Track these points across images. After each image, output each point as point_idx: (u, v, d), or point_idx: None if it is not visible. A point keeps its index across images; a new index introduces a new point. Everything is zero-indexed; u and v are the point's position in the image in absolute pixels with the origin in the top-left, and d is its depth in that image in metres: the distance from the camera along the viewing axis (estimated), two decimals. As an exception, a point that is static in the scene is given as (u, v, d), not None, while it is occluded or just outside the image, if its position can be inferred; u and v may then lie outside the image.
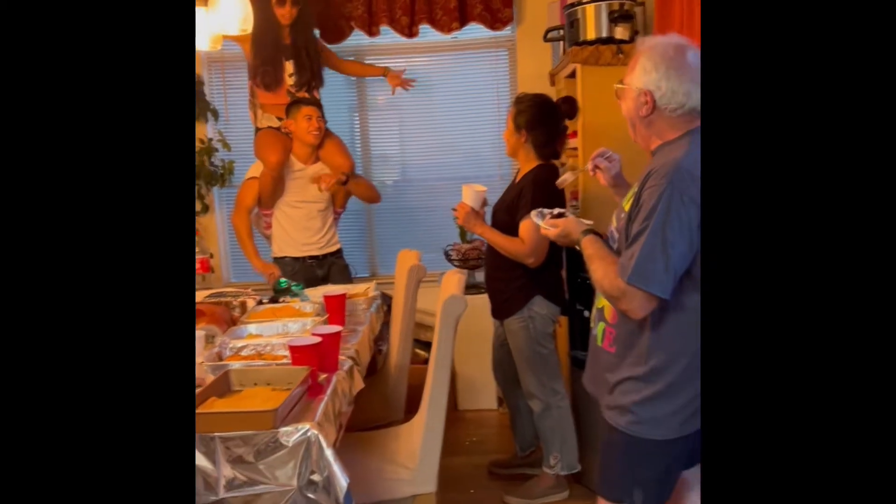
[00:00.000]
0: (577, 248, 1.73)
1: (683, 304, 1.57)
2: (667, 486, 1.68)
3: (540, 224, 1.84)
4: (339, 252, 3.42)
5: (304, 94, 3.34)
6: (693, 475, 1.74)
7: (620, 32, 2.93)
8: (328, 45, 3.66)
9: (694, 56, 1.58)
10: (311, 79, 3.40)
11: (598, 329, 1.72)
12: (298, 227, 3.30)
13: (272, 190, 3.23)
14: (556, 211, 1.87)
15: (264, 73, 3.36)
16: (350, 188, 3.32)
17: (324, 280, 3.26)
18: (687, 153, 1.56)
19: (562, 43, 3.30)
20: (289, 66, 3.35)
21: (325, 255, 3.35)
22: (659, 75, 1.57)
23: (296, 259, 3.32)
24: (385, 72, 3.66)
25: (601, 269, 1.62)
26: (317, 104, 3.25)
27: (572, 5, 3.08)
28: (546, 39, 3.47)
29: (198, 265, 3.25)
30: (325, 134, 3.30)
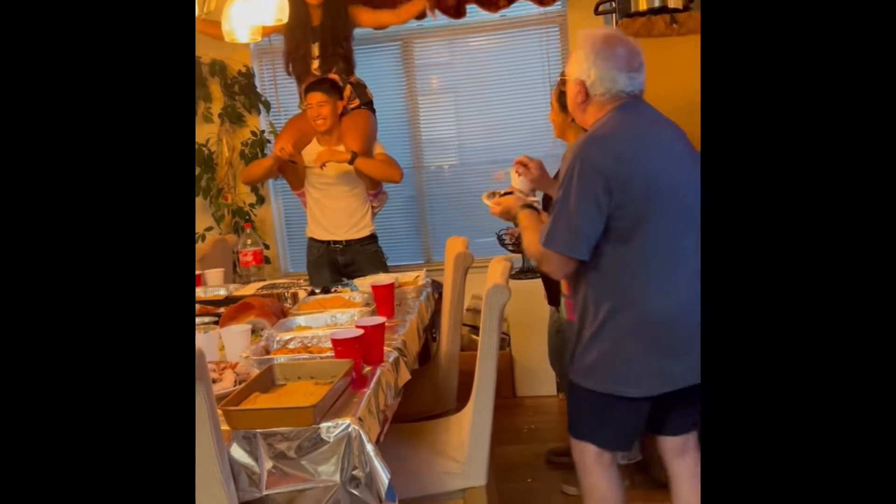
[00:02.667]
0: (516, 223, 1.99)
1: (600, 261, 1.77)
2: (623, 437, 1.93)
3: (488, 204, 2.10)
4: (369, 238, 3.32)
5: (330, 77, 3.25)
6: (679, 442, 1.96)
7: (674, 1, 2.80)
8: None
9: (622, 46, 1.80)
10: (337, 60, 3.32)
11: (562, 304, 1.87)
12: (324, 210, 3.28)
13: (288, 172, 3.25)
14: (504, 190, 2.11)
15: (293, 60, 3.37)
16: (359, 165, 3.12)
17: (345, 267, 3.22)
18: (601, 125, 1.79)
19: (614, 15, 3.19)
20: (315, 49, 3.32)
21: (350, 241, 3.28)
22: (589, 65, 1.79)
23: (320, 242, 3.31)
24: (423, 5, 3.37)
25: (529, 238, 1.87)
26: (328, 88, 3.12)
27: (623, -25, 2.97)
28: (597, 13, 3.36)
29: (251, 257, 3.27)
30: (349, 114, 3.23)
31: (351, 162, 3.10)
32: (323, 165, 3.12)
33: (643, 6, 2.89)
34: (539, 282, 2.94)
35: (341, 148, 3.16)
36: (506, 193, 2.06)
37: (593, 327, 1.81)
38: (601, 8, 3.34)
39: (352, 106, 3.30)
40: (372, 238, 3.33)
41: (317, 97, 3.09)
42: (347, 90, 3.30)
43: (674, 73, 2.64)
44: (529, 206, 1.96)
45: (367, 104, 3.38)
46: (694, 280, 1.69)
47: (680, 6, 2.80)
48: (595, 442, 1.90)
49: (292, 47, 3.37)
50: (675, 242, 1.75)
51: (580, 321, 1.86)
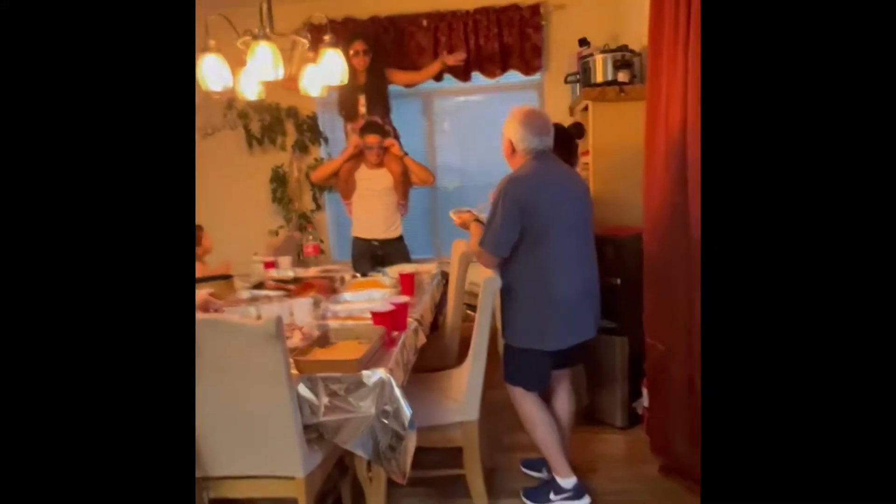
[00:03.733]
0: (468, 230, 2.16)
1: (519, 259, 1.92)
2: (541, 378, 2.04)
3: (452, 217, 2.24)
4: (399, 238, 3.28)
5: (374, 119, 3.27)
6: (562, 373, 2.14)
7: (622, 76, 2.81)
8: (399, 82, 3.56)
9: (539, 119, 1.97)
10: (379, 108, 3.37)
11: None
12: (367, 216, 3.23)
13: (337, 182, 3.23)
14: (465, 209, 2.24)
15: (344, 107, 3.41)
16: (408, 161, 3.16)
17: (383, 259, 3.16)
18: (519, 172, 1.95)
19: (578, 84, 3.19)
20: (362, 100, 3.35)
21: (386, 240, 3.23)
22: (514, 129, 1.97)
23: (363, 240, 3.25)
24: (443, 63, 3.48)
25: (473, 241, 2.05)
26: (379, 132, 3.13)
27: (585, 56, 2.97)
28: (566, 82, 3.37)
29: (311, 249, 3.28)
30: (392, 149, 3.22)
31: (403, 157, 3.14)
32: (379, 164, 3.14)
33: (600, 79, 2.90)
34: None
35: (384, 170, 3.16)
36: (467, 211, 2.22)
37: (516, 305, 1.97)
38: (569, 79, 3.35)
39: (388, 140, 3.29)
40: (401, 238, 3.30)
41: (373, 140, 3.09)
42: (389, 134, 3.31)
43: (622, 130, 2.66)
44: (478, 220, 2.12)
45: (397, 137, 3.40)
46: (581, 275, 1.95)
47: (627, 80, 2.81)
48: (521, 385, 2.03)
49: (345, 98, 3.39)
50: (569, 249, 1.92)
51: (506, 301, 2.01)
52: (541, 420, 2.04)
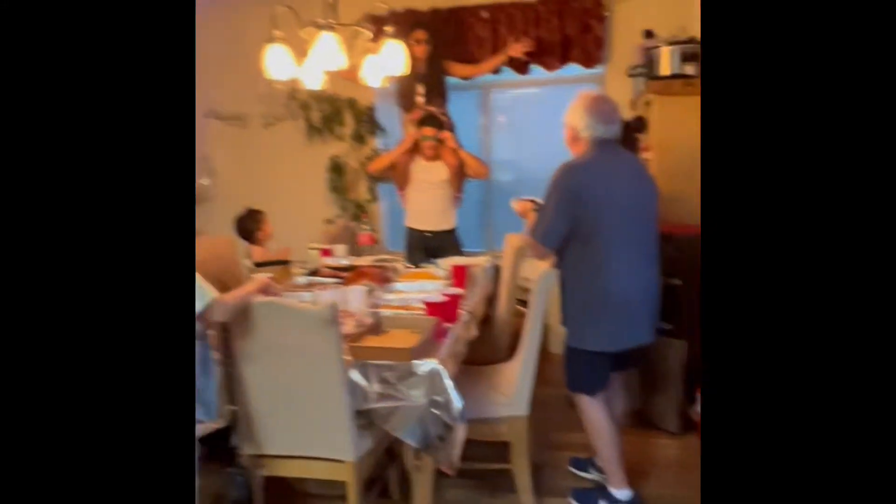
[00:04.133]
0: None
1: (573, 252, 1.83)
2: (600, 380, 1.94)
3: (513, 206, 2.16)
4: (453, 230, 3.25)
5: (430, 109, 3.26)
6: (619, 374, 2.07)
7: (690, 69, 2.69)
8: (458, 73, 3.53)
9: (606, 105, 1.88)
10: (437, 98, 3.35)
11: None
12: (420, 207, 3.22)
13: (393, 174, 3.21)
14: (524, 198, 2.15)
15: (402, 96, 3.41)
16: (464, 156, 3.16)
17: (436, 250, 3.14)
18: (576, 161, 1.87)
19: (641, 77, 3.08)
20: (420, 89, 3.34)
21: (439, 231, 3.22)
22: (579, 116, 1.87)
23: (417, 230, 3.25)
24: (506, 56, 3.43)
25: (526, 230, 1.96)
26: (436, 124, 3.13)
27: (651, 48, 2.87)
28: (630, 75, 3.26)
29: (367, 238, 3.32)
30: (442, 142, 3.21)
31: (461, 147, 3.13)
32: (435, 156, 3.13)
33: (665, 72, 2.79)
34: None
35: (440, 162, 3.16)
36: (529, 201, 2.13)
37: (570, 301, 1.90)
38: (632, 71, 3.24)
39: (444, 130, 3.29)
40: (454, 229, 3.28)
41: (430, 132, 3.09)
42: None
43: (687, 124, 2.54)
44: (538, 210, 2.02)
45: (452, 129, 3.39)
46: (638, 274, 1.84)
47: (695, 73, 2.69)
48: (582, 390, 1.95)
49: (403, 88, 3.39)
50: (626, 246, 1.82)
51: (562, 297, 1.94)
52: (607, 431, 1.97)
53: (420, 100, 3.34)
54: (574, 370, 1.96)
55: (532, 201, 2.11)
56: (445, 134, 3.16)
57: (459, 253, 3.18)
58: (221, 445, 1.79)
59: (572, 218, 1.79)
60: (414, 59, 3.25)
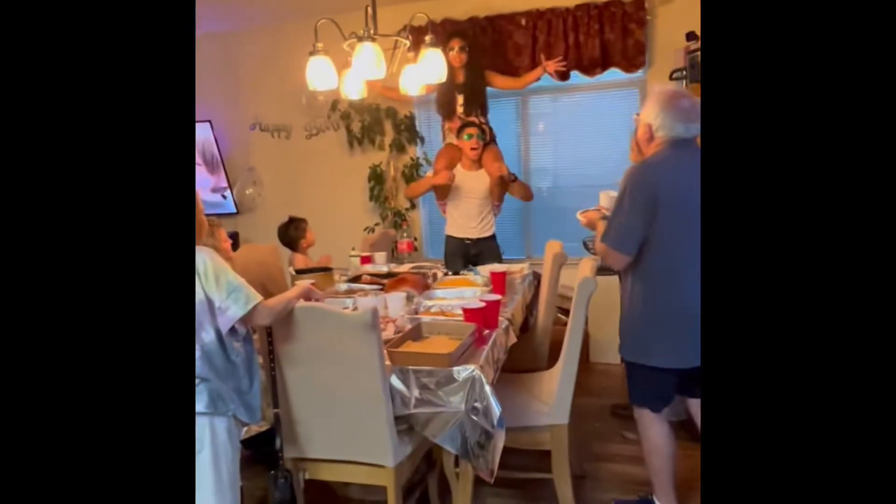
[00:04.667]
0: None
1: (643, 259, 1.71)
2: (663, 397, 1.83)
3: (579, 217, 2.07)
4: (492, 237, 3.25)
5: (471, 119, 3.27)
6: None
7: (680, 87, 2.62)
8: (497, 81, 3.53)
9: (687, 101, 1.71)
10: (476, 107, 3.34)
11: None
12: (461, 215, 3.22)
13: (441, 187, 3.21)
14: (595, 207, 2.07)
15: (442, 105, 3.42)
16: (511, 189, 3.18)
17: (475, 257, 3.13)
18: (651, 159, 1.73)
19: (684, 81, 3.02)
20: (459, 99, 3.35)
21: (478, 239, 3.21)
22: (655, 113, 1.72)
23: (456, 238, 3.25)
24: (543, 69, 3.42)
25: (598, 239, 1.84)
26: (477, 126, 3.14)
27: (694, 51, 2.81)
28: (671, 78, 3.20)
29: (406, 246, 3.33)
30: (487, 146, 3.22)
31: (513, 180, 3.13)
32: (477, 165, 3.15)
33: (710, 74, 2.73)
34: (613, 278, 2.83)
35: (482, 172, 3.16)
36: (597, 210, 2.04)
37: (637, 312, 1.78)
38: (675, 75, 3.18)
39: (486, 141, 3.31)
40: (493, 237, 3.27)
41: (471, 131, 3.10)
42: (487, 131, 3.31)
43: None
44: (606, 217, 1.89)
45: (493, 138, 3.40)
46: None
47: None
48: (646, 404, 1.86)
49: (442, 96, 3.41)
50: (694, 254, 1.55)
51: (625, 308, 1.83)
52: (664, 450, 1.87)
53: (459, 109, 3.36)
54: (637, 386, 1.89)
55: (597, 210, 2.02)
56: (490, 150, 3.17)
57: (499, 260, 3.17)
58: (265, 448, 1.83)
59: (649, 219, 1.66)
60: (452, 67, 3.28)
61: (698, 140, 1.73)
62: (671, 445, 1.88)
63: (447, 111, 3.42)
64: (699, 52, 2.76)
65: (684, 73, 3.01)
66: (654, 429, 1.86)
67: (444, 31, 3.56)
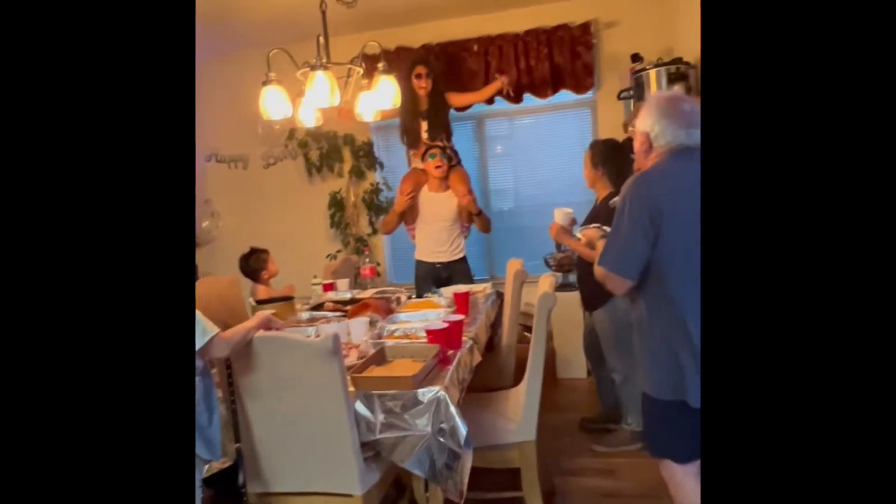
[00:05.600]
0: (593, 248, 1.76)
1: (649, 282, 1.48)
2: (689, 440, 1.38)
3: (578, 236, 1.90)
4: (462, 259, 3.26)
5: (436, 143, 3.29)
6: None
7: (678, 89, 2.74)
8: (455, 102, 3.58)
9: (687, 105, 1.52)
10: (440, 132, 3.38)
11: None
12: (430, 239, 3.23)
13: (406, 209, 3.22)
14: (593, 225, 1.90)
15: (406, 132, 3.45)
16: (475, 220, 3.21)
17: (447, 280, 3.15)
18: (651, 170, 1.51)
19: (632, 100, 3.15)
20: (424, 125, 3.39)
21: (450, 262, 3.22)
22: (653, 121, 1.52)
23: (427, 262, 3.25)
24: (501, 82, 3.48)
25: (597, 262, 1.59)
26: (442, 149, 3.18)
27: (639, 71, 2.93)
28: (619, 98, 3.33)
29: (368, 271, 3.33)
30: (454, 169, 3.26)
31: (477, 214, 3.15)
32: (444, 187, 3.17)
33: (654, 93, 2.84)
34: (574, 294, 2.89)
35: (449, 193, 3.19)
36: (594, 228, 1.85)
37: (647, 342, 1.52)
38: (622, 95, 3.30)
39: (453, 164, 3.35)
40: (464, 259, 3.27)
41: (435, 152, 3.14)
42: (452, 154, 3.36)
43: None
44: (606, 236, 1.68)
45: (459, 162, 3.45)
46: None
47: (683, 93, 2.74)
48: (670, 455, 1.52)
49: (407, 124, 3.44)
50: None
51: (635, 336, 1.57)
52: None
53: (424, 136, 3.40)
54: (663, 431, 1.53)
55: (596, 227, 1.84)
56: (456, 172, 3.21)
57: (471, 281, 3.16)
58: (228, 485, 1.77)
59: (653, 237, 1.43)
60: (416, 95, 3.34)
61: None
62: None
63: (412, 139, 3.45)
64: (644, 73, 2.88)
65: (631, 92, 3.13)
66: (685, 486, 1.51)
67: (399, 59, 3.63)
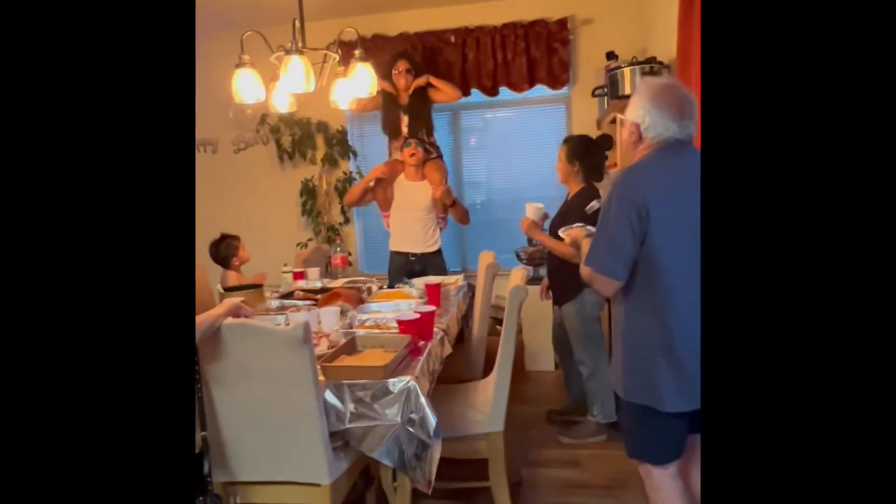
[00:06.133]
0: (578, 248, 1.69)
1: (644, 288, 1.40)
2: (668, 446, 1.47)
3: (562, 235, 1.86)
4: (437, 252, 3.25)
5: (416, 137, 3.31)
6: (694, 437, 1.53)
7: (669, 79, 2.79)
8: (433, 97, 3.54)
9: (681, 95, 1.43)
10: (421, 127, 3.38)
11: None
12: (405, 229, 3.22)
13: (376, 196, 3.21)
14: (576, 225, 1.86)
15: (387, 126, 3.45)
16: (450, 211, 3.22)
17: (420, 273, 3.13)
18: (638, 164, 1.43)
19: (605, 97, 3.18)
20: (405, 119, 3.38)
21: (423, 254, 3.21)
22: (644, 112, 1.43)
23: (401, 254, 3.24)
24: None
25: (582, 262, 1.52)
26: (418, 140, 3.20)
27: (613, 69, 2.97)
28: (594, 95, 3.37)
29: (339, 260, 3.30)
30: (431, 160, 3.27)
31: (451, 205, 3.14)
32: (419, 176, 3.18)
33: (628, 91, 2.88)
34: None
35: (424, 182, 3.18)
36: (579, 226, 1.82)
37: (626, 347, 1.47)
38: (597, 92, 3.34)
39: (432, 156, 3.35)
40: (439, 252, 3.26)
41: (411, 142, 3.16)
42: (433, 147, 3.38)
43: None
44: (591, 235, 1.62)
45: (440, 156, 3.44)
46: None
47: (655, 92, 2.79)
48: (647, 458, 1.51)
49: (387, 117, 3.44)
50: (696, 274, 1.30)
51: (613, 340, 1.52)
52: None
53: (404, 129, 3.38)
54: (638, 434, 1.51)
55: (580, 227, 1.80)
56: (435, 163, 3.21)
57: (445, 275, 3.15)
58: (193, 474, 1.75)
59: (640, 235, 1.36)
60: (398, 89, 3.33)
61: (697, 142, 1.46)
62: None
63: (393, 131, 3.43)
64: (618, 70, 2.91)
65: (605, 90, 3.16)
66: (664, 489, 1.50)
67: (378, 46, 3.60)
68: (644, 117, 1.43)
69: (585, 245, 1.60)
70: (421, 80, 3.32)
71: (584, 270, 1.49)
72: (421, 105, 3.40)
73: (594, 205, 2.28)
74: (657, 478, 1.51)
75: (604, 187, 2.84)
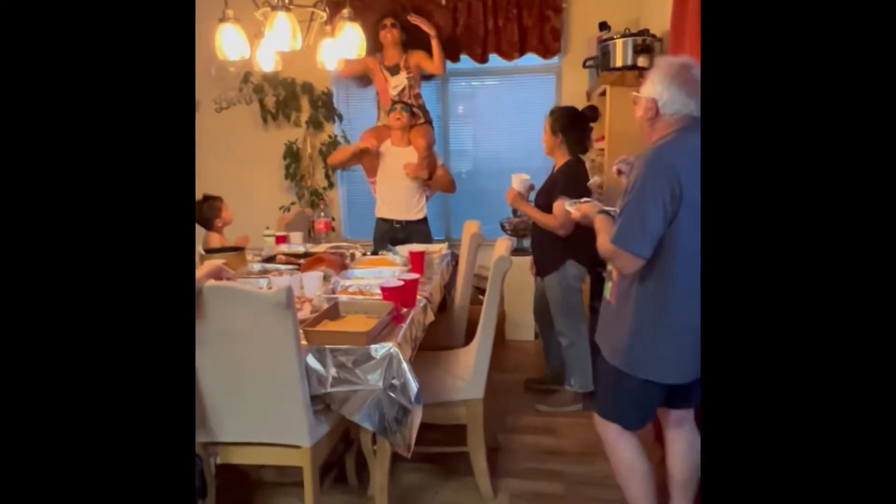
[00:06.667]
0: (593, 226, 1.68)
1: (663, 266, 1.44)
2: (643, 414, 1.59)
3: (570, 209, 1.83)
4: (423, 220, 3.24)
5: (403, 101, 3.26)
6: (681, 414, 1.67)
7: (642, 61, 2.77)
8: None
9: (697, 73, 1.45)
10: (408, 88, 3.33)
11: (606, 287, 1.65)
12: (390, 194, 3.19)
13: (363, 161, 3.17)
14: (584, 199, 1.84)
15: (380, 92, 3.40)
16: (431, 183, 3.17)
17: (405, 240, 3.12)
18: (669, 142, 1.44)
19: (596, 69, 3.16)
20: (392, 80, 3.33)
21: (409, 222, 3.19)
22: (662, 87, 1.45)
23: (385, 220, 3.22)
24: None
25: (602, 238, 1.54)
26: (404, 104, 3.16)
27: (605, 40, 2.93)
28: (584, 66, 3.34)
29: (323, 225, 3.28)
30: (419, 125, 3.23)
31: (429, 178, 3.11)
32: (404, 140, 3.14)
33: (619, 64, 2.86)
34: (527, 259, 2.94)
35: (410, 148, 3.14)
36: (586, 202, 1.81)
37: (628, 320, 1.51)
38: (587, 63, 3.31)
39: (419, 122, 3.30)
40: (425, 220, 3.24)
41: (398, 110, 3.12)
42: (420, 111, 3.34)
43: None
44: (605, 212, 1.64)
45: (429, 122, 3.39)
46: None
47: (647, 66, 2.77)
48: (617, 420, 1.60)
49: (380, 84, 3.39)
50: (696, 255, 1.37)
51: (635, 318, 1.50)
52: (640, 471, 1.60)
53: (392, 92, 3.32)
54: (614, 397, 1.59)
55: (590, 202, 1.78)
56: (423, 128, 3.17)
57: (429, 243, 3.14)
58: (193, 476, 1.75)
59: (671, 214, 1.38)
60: (385, 47, 3.26)
61: None
62: (646, 461, 1.61)
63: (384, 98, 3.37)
64: (610, 42, 2.88)
65: (597, 61, 3.13)
66: (624, 446, 1.61)
67: (366, 6, 3.50)
68: (662, 93, 1.45)
69: (599, 221, 1.62)
70: (421, 22, 3.23)
71: (608, 248, 1.48)
72: (410, 66, 3.36)
73: (596, 180, 2.28)
74: (615, 436, 1.61)
75: (588, 160, 2.84)
